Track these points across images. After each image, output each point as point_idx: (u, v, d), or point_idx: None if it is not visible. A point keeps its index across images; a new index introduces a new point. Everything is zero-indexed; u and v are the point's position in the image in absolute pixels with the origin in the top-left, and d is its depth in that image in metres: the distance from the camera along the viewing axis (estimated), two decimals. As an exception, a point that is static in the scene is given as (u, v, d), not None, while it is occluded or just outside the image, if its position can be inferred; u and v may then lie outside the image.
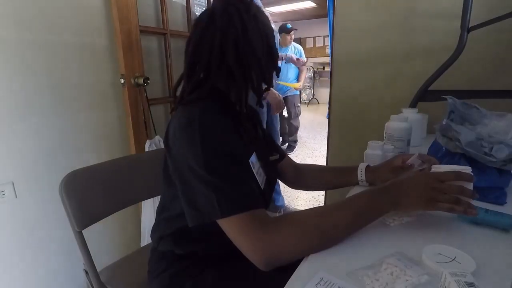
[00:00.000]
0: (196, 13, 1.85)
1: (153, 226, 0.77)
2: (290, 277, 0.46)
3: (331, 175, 0.89)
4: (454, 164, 0.71)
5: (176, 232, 0.69)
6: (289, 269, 0.48)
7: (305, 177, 0.93)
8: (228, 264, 0.71)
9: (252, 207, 0.53)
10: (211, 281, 0.68)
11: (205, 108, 0.58)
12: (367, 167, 0.80)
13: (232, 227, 0.53)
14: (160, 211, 0.74)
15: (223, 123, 0.58)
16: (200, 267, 0.70)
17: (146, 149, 1.43)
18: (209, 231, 0.63)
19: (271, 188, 0.77)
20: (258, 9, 0.66)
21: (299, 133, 5.28)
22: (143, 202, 1.39)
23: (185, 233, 0.68)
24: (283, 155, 0.93)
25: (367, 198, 0.57)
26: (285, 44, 3.52)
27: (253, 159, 0.66)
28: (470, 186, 0.55)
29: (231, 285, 0.68)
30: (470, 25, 1.04)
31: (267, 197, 0.73)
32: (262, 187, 0.66)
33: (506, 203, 0.66)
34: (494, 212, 0.58)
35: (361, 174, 0.80)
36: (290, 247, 0.51)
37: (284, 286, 0.44)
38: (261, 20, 0.65)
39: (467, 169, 0.57)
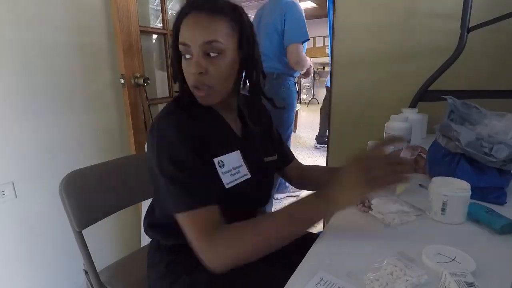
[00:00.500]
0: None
1: (146, 224, 0.79)
2: (290, 276, 0.46)
3: (332, 176, 0.89)
4: (453, 164, 0.72)
5: (165, 226, 0.72)
6: (289, 268, 0.48)
7: (308, 179, 0.93)
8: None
9: (201, 205, 0.57)
10: (207, 278, 0.68)
11: (171, 112, 0.64)
12: None
13: (185, 226, 0.58)
14: (152, 212, 0.78)
15: (180, 129, 0.60)
16: (195, 261, 0.71)
17: (146, 149, 1.43)
18: None
19: (262, 188, 0.76)
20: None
21: (298, 132, 5.30)
22: (143, 202, 1.38)
23: (172, 228, 0.70)
24: (290, 159, 0.92)
25: (302, 204, 0.58)
26: None
27: (226, 158, 0.67)
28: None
29: (229, 284, 0.68)
30: (470, 25, 1.04)
31: (252, 197, 0.73)
32: (232, 184, 0.67)
33: (506, 203, 0.66)
34: (496, 214, 0.58)
35: None
36: (227, 256, 0.56)
37: (284, 286, 0.44)
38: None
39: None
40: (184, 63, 0.63)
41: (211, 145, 0.65)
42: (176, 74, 0.68)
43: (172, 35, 0.65)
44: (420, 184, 0.78)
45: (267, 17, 1.87)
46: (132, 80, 1.40)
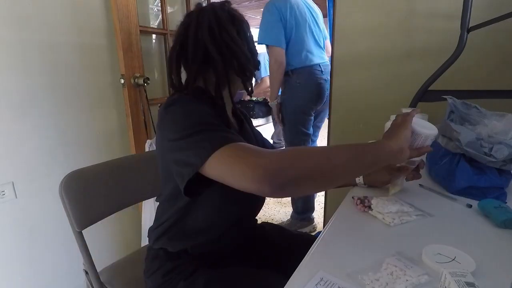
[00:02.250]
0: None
1: (152, 225, 0.78)
2: (290, 277, 0.46)
3: None
4: (453, 164, 0.72)
5: (171, 230, 0.72)
6: (288, 269, 0.48)
7: None
8: (224, 267, 0.71)
9: (236, 141, 0.52)
10: (204, 282, 0.68)
11: (185, 96, 0.64)
12: None
13: (224, 161, 0.49)
14: (159, 211, 0.77)
15: (201, 105, 0.60)
16: (192, 268, 0.71)
17: (146, 149, 1.43)
18: (199, 228, 0.70)
19: None
20: (233, 9, 0.71)
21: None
22: (143, 202, 1.38)
23: (178, 230, 0.72)
24: (269, 148, 0.92)
25: (364, 144, 0.56)
26: None
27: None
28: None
29: (226, 286, 0.68)
30: (470, 25, 1.04)
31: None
32: None
33: (506, 203, 0.66)
34: (504, 209, 0.59)
35: (359, 177, 0.79)
36: (290, 163, 0.48)
37: (284, 286, 0.44)
38: (237, 15, 0.70)
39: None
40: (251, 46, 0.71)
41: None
42: (253, 62, 0.71)
43: (248, 36, 0.71)
44: (420, 184, 0.78)
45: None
46: (132, 80, 1.40)
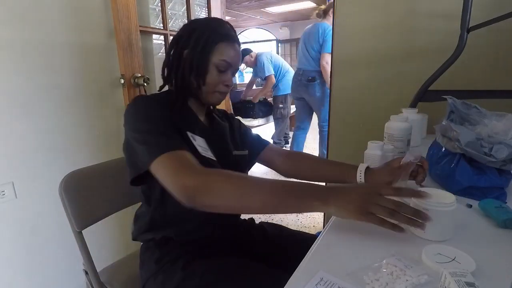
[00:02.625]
0: (196, 13, 1.85)
1: (134, 224, 0.83)
2: (290, 277, 0.46)
3: (327, 169, 0.86)
4: (453, 164, 0.72)
5: (152, 219, 0.77)
6: (288, 269, 0.48)
7: (298, 166, 0.91)
8: (220, 257, 0.72)
9: (177, 149, 0.62)
10: (201, 273, 0.69)
11: (148, 95, 0.76)
12: (367, 169, 0.77)
13: (161, 168, 0.60)
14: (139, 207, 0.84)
15: (157, 102, 0.73)
16: (188, 256, 0.73)
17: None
18: (179, 214, 0.75)
19: None
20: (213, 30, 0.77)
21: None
22: (143, 202, 1.38)
23: (159, 218, 0.77)
24: (264, 143, 0.96)
25: (302, 186, 0.57)
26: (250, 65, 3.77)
27: (196, 137, 0.75)
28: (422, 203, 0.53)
29: (226, 285, 0.68)
30: (470, 25, 1.04)
31: None
32: (206, 154, 0.73)
33: (506, 203, 0.66)
34: (505, 209, 0.59)
35: (360, 176, 0.77)
36: (214, 187, 0.57)
37: (284, 286, 0.44)
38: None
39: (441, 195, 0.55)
40: (215, 74, 0.77)
41: (180, 124, 0.73)
42: (201, 73, 0.77)
43: (205, 46, 0.75)
44: (421, 185, 0.78)
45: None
46: (132, 80, 1.40)
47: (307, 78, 2.75)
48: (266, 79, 3.65)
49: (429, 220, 0.50)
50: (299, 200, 0.55)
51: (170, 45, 0.80)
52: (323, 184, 0.63)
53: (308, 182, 0.60)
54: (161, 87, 0.85)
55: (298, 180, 0.64)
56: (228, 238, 0.83)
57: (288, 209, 0.59)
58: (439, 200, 0.51)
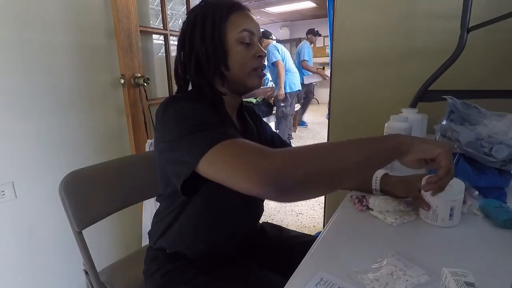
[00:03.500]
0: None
1: (151, 225, 0.78)
2: (290, 277, 0.46)
3: None
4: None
5: (167, 230, 0.72)
6: (288, 269, 0.48)
7: None
8: (224, 269, 0.71)
9: (236, 137, 0.49)
10: (204, 285, 0.67)
11: (181, 97, 0.62)
12: (385, 175, 0.72)
13: (220, 160, 0.46)
14: (157, 211, 0.77)
15: (198, 104, 0.59)
16: (192, 271, 0.70)
17: (146, 149, 1.43)
18: (195, 230, 0.70)
19: None
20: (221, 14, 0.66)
21: (298, 132, 5.29)
22: (143, 202, 1.38)
23: (174, 231, 0.71)
24: (287, 146, 0.90)
25: (372, 138, 0.51)
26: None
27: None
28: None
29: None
30: (470, 25, 1.04)
31: None
32: None
33: (506, 203, 0.66)
34: (504, 209, 0.59)
35: (375, 183, 0.72)
36: (293, 163, 0.44)
37: (283, 286, 0.44)
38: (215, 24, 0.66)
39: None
40: (242, 49, 0.66)
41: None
42: (222, 59, 0.66)
43: (218, 20, 0.65)
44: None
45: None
46: (132, 80, 1.40)
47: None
48: (274, 65, 3.48)
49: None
50: (386, 151, 0.51)
51: (178, 48, 0.70)
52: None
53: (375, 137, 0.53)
54: (187, 85, 0.72)
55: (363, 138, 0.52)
56: (241, 248, 0.78)
57: (379, 164, 0.52)
58: (457, 188, 0.58)
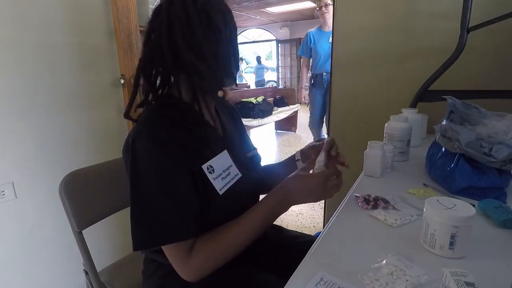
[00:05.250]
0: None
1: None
2: (290, 277, 0.46)
3: (281, 172, 0.86)
4: (453, 165, 0.72)
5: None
6: (288, 270, 0.48)
7: (268, 181, 0.86)
8: (222, 270, 0.71)
9: (169, 241, 0.59)
10: (204, 286, 0.67)
11: (149, 131, 0.58)
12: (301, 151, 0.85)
13: (167, 253, 0.62)
14: None
15: (160, 146, 0.57)
16: None
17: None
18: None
19: (254, 184, 0.76)
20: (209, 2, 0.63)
21: (298, 133, 5.30)
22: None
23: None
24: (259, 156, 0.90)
25: (262, 210, 0.64)
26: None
27: (215, 161, 0.65)
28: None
29: None
30: (470, 25, 1.04)
31: (245, 195, 0.71)
32: (225, 189, 0.65)
33: (506, 203, 0.66)
34: (504, 210, 0.59)
35: (298, 160, 0.85)
36: (206, 266, 0.61)
37: (283, 286, 0.44)
38: (211, 14, 0.62)
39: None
40: (227, 46, 0.65)
41: (197, 150, 0.63)
42: (208, 58, 0.62)
43: (201, 18, 0.61)
44: (424, 184, 0.78)
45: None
46: (132, 80, 1.40)
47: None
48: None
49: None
50: (273, 218, 0.65)
51: (143, 53, 0.66)
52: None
53: (262, 200, 0.66)
54: (143, 103, 0.69)
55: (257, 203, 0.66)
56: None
57: (267, 228, 0.65)
58: (464, 214, 0.48)
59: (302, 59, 3.32)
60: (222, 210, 0.64)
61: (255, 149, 0.85)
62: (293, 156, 0.87)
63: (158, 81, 0.69)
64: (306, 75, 3.35)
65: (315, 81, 3.10)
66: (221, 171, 0.66)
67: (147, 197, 0.58)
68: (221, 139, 0.72)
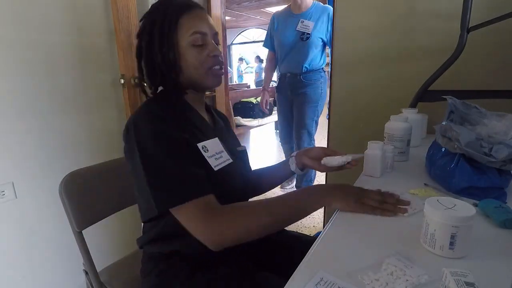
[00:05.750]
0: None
1: (142, 232, 0.78)
2: (289, 277, 0.46)
3: (278, 176, 0.93)
4: (453, 165, 0.72)
5: (160, 233, 0.72)
6: (288, 270, 0.48)
7: (259, 186, 0.93)
8: (221, 268, 0.70)
9: (189, 198, 0.58)
10: (204, 285, 0.67)
11: (146, 110, 0.66)
12: (296, 156, 0.87)
13: (184, 217, 0.60)
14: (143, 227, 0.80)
15: (158, 119, 0.63)
16: (188, 269, 0.70)
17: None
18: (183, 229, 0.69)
19: (245, 175, 0.81)
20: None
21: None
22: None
23: (168, 232, 0.72)
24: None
25: (296, 194, 0.66)
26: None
27: (208, 143, 0.70)
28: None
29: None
30: (470, 25, 1.04)
31: (236, 180, 0.76)
32: (219, 167, 0.69)
33: (506, 203, 0.66)
34: (504, 210, 0.59)
35: (292, 165, 0.87)
36: (232, 229, 0.59)
37: (283, 286, 0.44)
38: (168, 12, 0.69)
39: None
40: (195, 51, 0.69)
41: (191, 132, 0.68)
42: (173, 65, 0.69)
43: (166, 28, 0.67)
44: (425, 184, 0.78)
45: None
46: (132, 80, 1.40)
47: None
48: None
49: (409, 204, 0.62)
50: (308, 207, 0.63)
51: (137, 53, 0.76)
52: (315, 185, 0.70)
53: (301, 189, 0.68)
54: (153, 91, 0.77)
55: (291, 192, 0.68)
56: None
57: (300, 217, 0.65)
58: (464, 214, 0.47)
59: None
60: (217, 187, 0.65)
61: (243, 146, 0.89)
62: (285, 161, 0.90)
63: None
64: (269, 74, 2.59)
65: (278, 84, 2.42)
66: (214, 152, 0.70)
67: (159, 164, 0.60)
68: (211, 129, 0.77)
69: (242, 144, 0.90)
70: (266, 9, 7.15)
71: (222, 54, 0.74)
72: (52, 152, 1.23)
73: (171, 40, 0.68)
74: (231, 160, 0.73)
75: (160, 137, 0.61)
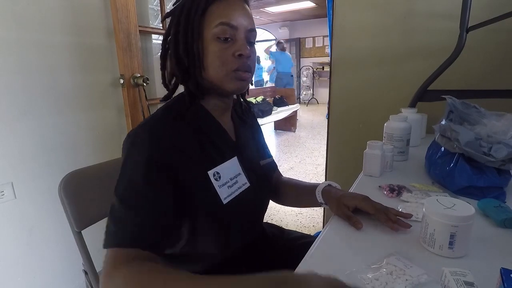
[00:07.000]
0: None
1: None
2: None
3: (307, 198, 0.77)
4: (452, 164, 0.72)
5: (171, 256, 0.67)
6: (289, 269, 0.48)
7: (286, 196, 0.85)
8: (221, 270, 0.69)
9: (116, 244, 0.51)
10: None
11: (151, 128, 0.56)
12: (325, 188, 0.70)
13: (107, 260, 0.50)
14: None
15: (155, 147, 0.54)
16: (188, 272, 0.68)
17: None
18: (193, 256, 0.67)
19: (261, 195, 0.73)
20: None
21: (297, 132, 5.29)
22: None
23: (170, 257, 0.67)
24: (274, 166, 0.85)
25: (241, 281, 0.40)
26: None
27: (223, 167, 0.61)
28: None
29: None
30: (469, 25, 1.04)
31: (251, 206, 0.69)
32: (229, 198, 0.61)
33: (505, 202, 0.66)
34: (504, 209, 0.59)
35: (319, 197, 0.70)
36: None
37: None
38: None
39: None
40: (219, 46, 0.56)
41: (206, 153, 0.60)
42: (196, 60, 0.58)
43: (193, 14, 0.56)
44: (432, 182, 0.78)
45: None
46: (132, 80, 1.40)
47: None
48: None
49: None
50: None
51: (162, 49, 0.63)
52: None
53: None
54: (166, 97, 0.68)
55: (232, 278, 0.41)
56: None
57: None
58: (463, 214, 0.47)
59: None
60: (224, 219, 0.62)
61: (270, 157, 0.81)
62: (315, 186, 0.72)
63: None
64: None
65: None
66: (228, 178, 0.62)
67: (123, 200, 0.56)
68: (232, 144, 0.67)
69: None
70: (266, 9, 7.15)
71: (252, 57, 0.59)
72: (52, 152, 1.23)
73: (196, 30, 0.56)
74: (248, 185, 0.65)
75: (139, 172, 0.54)
